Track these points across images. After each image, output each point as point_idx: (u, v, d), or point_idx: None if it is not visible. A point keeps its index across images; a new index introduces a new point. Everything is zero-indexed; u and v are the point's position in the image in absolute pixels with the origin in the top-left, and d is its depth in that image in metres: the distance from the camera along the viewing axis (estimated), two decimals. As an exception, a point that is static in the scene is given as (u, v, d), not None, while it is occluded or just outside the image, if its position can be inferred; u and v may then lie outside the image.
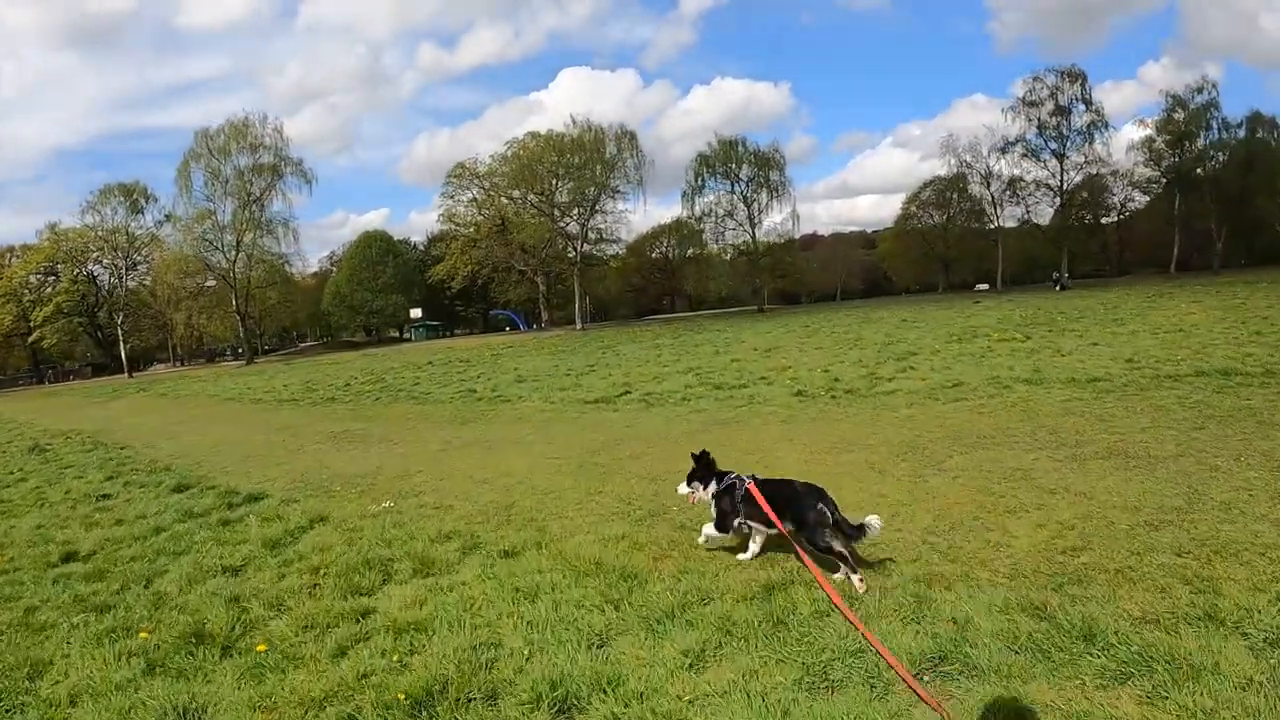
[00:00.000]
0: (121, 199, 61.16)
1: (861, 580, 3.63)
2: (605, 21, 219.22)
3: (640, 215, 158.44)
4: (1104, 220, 68.61)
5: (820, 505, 3.83)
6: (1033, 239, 67.22)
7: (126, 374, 56.41)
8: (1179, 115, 58.89)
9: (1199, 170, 58.40)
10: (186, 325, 58.61)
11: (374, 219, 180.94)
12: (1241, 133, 58.80)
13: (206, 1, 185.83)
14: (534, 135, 60.30)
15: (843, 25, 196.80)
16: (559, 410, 12.08)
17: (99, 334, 66.26)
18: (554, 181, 59.56)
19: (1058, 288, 52.42)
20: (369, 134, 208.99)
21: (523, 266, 60.96)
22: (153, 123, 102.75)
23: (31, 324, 60.57)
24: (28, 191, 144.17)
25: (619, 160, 58.90)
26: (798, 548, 3.77)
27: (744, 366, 15.26)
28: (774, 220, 65.80)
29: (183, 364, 76.30)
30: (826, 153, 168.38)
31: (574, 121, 59.27)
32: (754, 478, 4.17)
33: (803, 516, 3.85)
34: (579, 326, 56.44)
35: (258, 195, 58.20)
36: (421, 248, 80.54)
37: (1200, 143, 59.15)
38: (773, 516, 3.90)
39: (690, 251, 72.90)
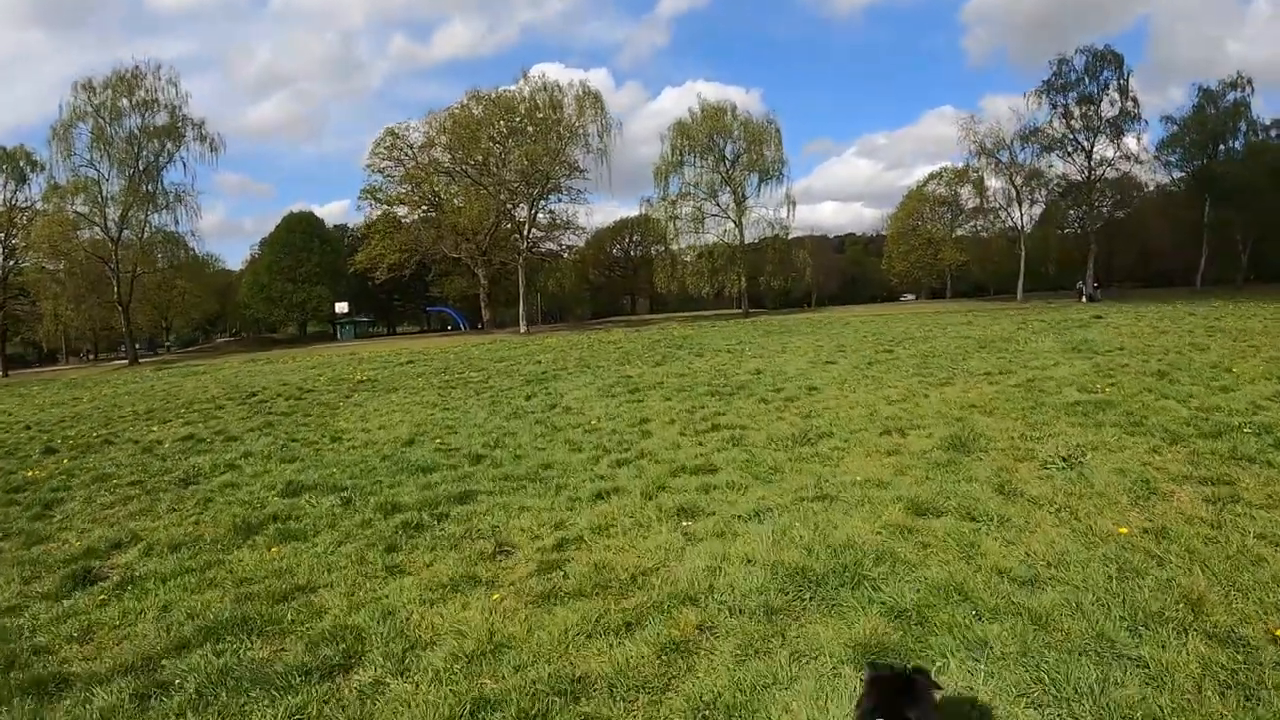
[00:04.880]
0: (1, 165, 50.80)
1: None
2: (581, 19, 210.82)
3: (604, 197, 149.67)
4: (1090, 229, 61.25)
5: None
6: (1049, 242, 59.77)
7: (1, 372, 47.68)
8: (1211, 111, 52.55)
9: (1229, 173, 51.50)
10: (53, 317, 48.35)
11: (335, 210, 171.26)
12: (1275, 134, 52.99)
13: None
14: (475, 96, 49.93)
15: (816, 35, 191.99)
16: None
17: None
18: (499, 151, 49.37)
19: (1082, 299, 45.74)
20: (336, 124, 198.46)
21: (457, 254, 51.67)
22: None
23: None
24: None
25: (579, 126, 48.76)
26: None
27: (980, 554, 4.03)
28: (765, 209, 57.10)
29: (79, 359, 66.95)
30: (794, 159, 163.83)
31: (525, 77, 49.27)
32: None
33: None
34: (522, 329, 47.70)
35: (151, 161, 48.45)
36: (359, 234, 71.08)
37: (1235, 143, 52.91)
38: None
39: (659, 249, 62.53)
